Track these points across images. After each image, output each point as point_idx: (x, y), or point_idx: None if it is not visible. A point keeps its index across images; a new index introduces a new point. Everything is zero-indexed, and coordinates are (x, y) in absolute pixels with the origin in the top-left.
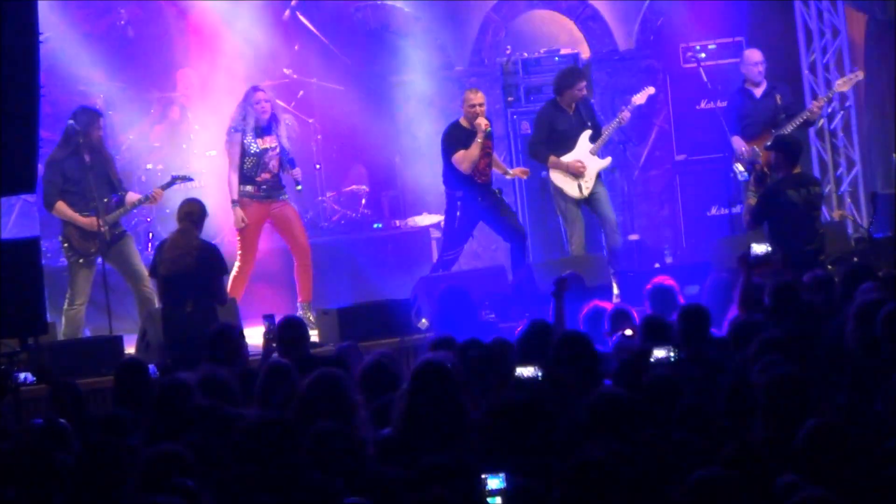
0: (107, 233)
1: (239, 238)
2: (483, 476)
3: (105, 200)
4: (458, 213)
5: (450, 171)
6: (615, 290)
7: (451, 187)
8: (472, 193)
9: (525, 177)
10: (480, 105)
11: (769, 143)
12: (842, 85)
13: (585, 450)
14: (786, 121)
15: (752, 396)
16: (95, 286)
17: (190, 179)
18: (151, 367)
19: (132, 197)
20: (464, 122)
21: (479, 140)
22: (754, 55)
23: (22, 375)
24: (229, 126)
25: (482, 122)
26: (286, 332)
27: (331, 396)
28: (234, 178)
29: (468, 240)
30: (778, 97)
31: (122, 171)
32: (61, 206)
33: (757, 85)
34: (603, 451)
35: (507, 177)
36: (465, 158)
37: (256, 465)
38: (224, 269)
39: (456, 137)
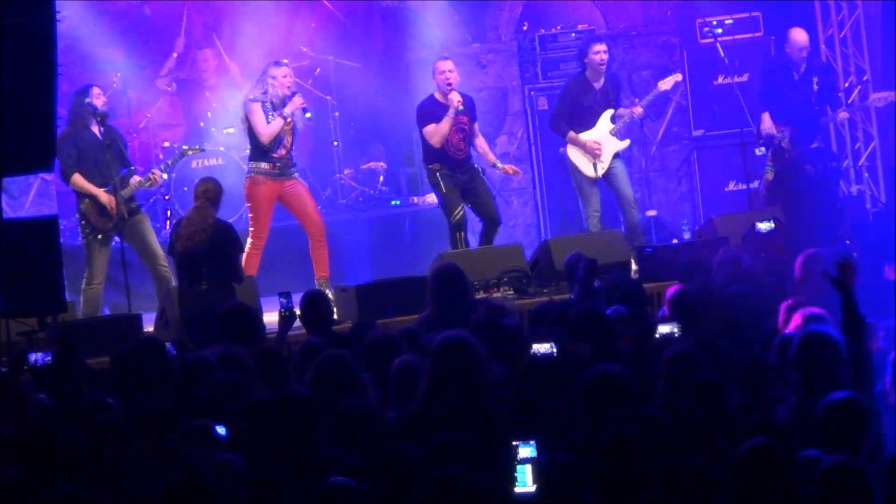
0: (123, 208)
1: (251, 215)
2: (514, 443)
3: (117, 178)
4: (441, 183)
5: (425, 145)
6: (633, 267)
7: (427, 160)
8: (449, 167)
9: (517, 175)
10: (451, 72)
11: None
12: (875, 101)
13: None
14: (816, 110)
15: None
16: (114, 264)
17: (202, 150)
18: (169, 345)
19: (137, 178)
20: (438, 97)
21: (450, 116)
22: (801, 38)
23: (33, 357)
24: (246, 98)
25: (454, 97)
26: (311, 308)
27: (339, 379)
28: (273, 125)
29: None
30: (815, 81)
31: (140, 147)
32: (78, 179)
33: (797, 66)
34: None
35: (497, 170)
36: (435, 132)
37: (277, 442)
38: (240, 247)
39: (430, 111)
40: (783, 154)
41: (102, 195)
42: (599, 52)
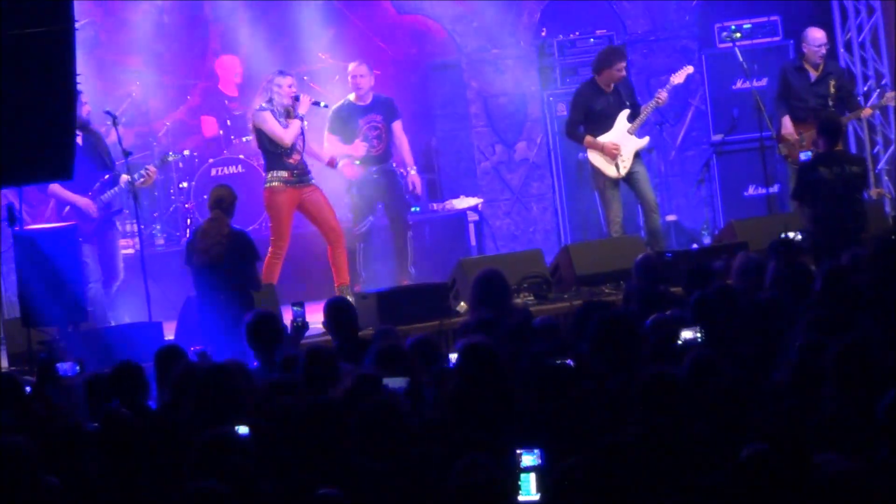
0: (96, 212)
1: (271, 224)
2: (518, 451)
3: (97, 184)
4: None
5: None
6: None
7: None
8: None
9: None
10: (361, 76)
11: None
12: (889, 100)
13: (617, 431)
14: (834, 110)
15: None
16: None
17: (180, 155)
18: (191, 354)
19: (126, 177)
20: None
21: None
22: (817, 36)
23: (64, 367)
24: (254, 109)
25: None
26: (336, 314)
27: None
28: (292, 128)
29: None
30: (832, 84)
31: (160, 156)
32: (56, 188)
33: (815, 67)
34: (634, 432)
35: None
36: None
37: (303, 448)
38: (256, 256)
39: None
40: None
41: (80, 200)
42: (622, 69)
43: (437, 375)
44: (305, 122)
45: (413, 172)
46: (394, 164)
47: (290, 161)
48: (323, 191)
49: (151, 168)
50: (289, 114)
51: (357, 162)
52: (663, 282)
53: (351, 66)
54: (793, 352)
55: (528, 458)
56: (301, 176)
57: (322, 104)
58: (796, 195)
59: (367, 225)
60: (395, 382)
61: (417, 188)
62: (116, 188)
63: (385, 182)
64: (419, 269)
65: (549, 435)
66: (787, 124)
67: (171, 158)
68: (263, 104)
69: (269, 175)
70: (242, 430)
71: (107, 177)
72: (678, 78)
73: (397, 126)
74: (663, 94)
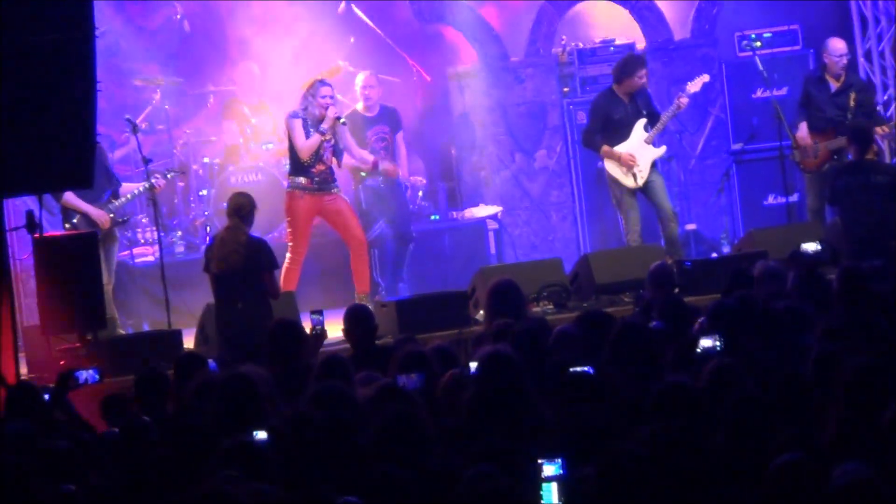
0: (109, 221)
1: (290, 230)
2: (539, 461)
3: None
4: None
5: None
6: None
7: None
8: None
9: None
10: (371, 87)
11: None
12: None
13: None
14: (852, 122)
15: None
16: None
17: (181, 173)
18: (211, 362)
19: (128, 186)
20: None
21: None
22: (838, 47)
23: (84, 375)
24: (287, 114)
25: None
26: (356, 323)
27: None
28: (311, 141)
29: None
30: (852, 97)
31: (178, 164)
32: (70, 196)
33: (836, 78)
34: (652, 442)
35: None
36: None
37: (321, 457)
38: (274, 264)
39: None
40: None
41: (93, 211)
42: (643, 77)
43: (455, 381)
44: (328, 136)
45: (400, 172)
46: (399, 176)
47: (313, 170)
48: (346, 199)
49: (160, 179)
50: (319, 122)
51: (363, 174)
52: (677, 290)
53: (360, 78)
54: (809, 361)
55: (550, 468)
56: (322, 184)
57: (341, 120)
58: (829, 201)
59: (378, 231)
60: (409, 380)
61: (391, 173)
62: (123, 199)
63: (390, 192)
64: (438, 278)
65: (569, 444)
66: (803, 130)
67: (170, 175)
68: (298, 111)
69: (291, 180)
70: (261, 435)
71: (108, 195)
72: (694, 86)
73: (399, 137)
74: (684, 99)
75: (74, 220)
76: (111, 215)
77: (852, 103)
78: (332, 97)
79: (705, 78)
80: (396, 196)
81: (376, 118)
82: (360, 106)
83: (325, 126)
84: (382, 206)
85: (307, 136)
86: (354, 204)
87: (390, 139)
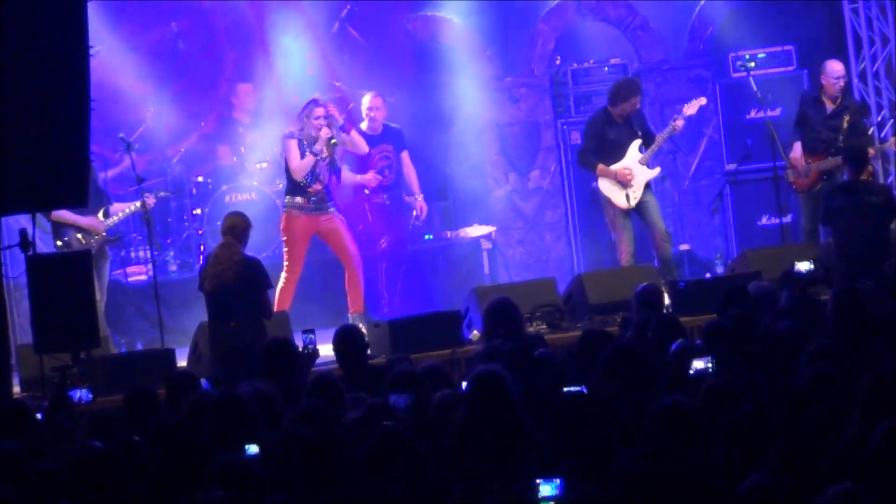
0: (98, 239)
1: (285, 249)
2: (536, 481)
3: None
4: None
5: None
6: (666, 301)
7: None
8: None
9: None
10: (377, 108)
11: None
12: (892, 145)
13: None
14: (846, 142)
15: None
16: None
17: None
18: (203, 381)
19: (119, 206)
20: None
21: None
22: (836, 68)
23: (77, 394)
24: (283, 134)
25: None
26: (346, 342)
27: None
28: (305, 162)
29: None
30: (846, 119)
31: (172, 183)
32: (59, 211)
33: (832, 100)
34: (649, 462)
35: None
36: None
37: (311, 474)
38: (267, 284)
39: None
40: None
41: (83, 220)
42: (637, 103)
43: (446, 401)
44: (324, 156)
45: (420, 199)
46: (403, 195)
47: (309, 190)
48: (342, 218)
49: (150, 197)
50: (313, 142)
51: (366, 192)
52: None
53: (366, 98)
54: (800, 381)
55: (547, 489)
56: (319, 204)
57: (333, 141)
58: (822, 221)
59: (385, 243)
60: (400, 399)
61: (423, 214)
62: (115, 218)
63: (393, 210)
64: (432, 297)
65: (565, 464)
66: (797, 150)
67: (162, 194)
68: (294, 131)
69: (287, 200)
70: (253, 449)
71: (104, 208)
72: (691, 109)
73: (405, 156)
74: (679, 122)
75: (66, 238)
76: (103, 234)
77: (845, 125)
78: (325, 117)
79: (702, 101)
80: (398, 214)
81: (380, 137)
82: (364, 125)
83: (318, 147)
84: (386, 222)
85: (302, 156)
86: (362, 218)
87: (394, 158)
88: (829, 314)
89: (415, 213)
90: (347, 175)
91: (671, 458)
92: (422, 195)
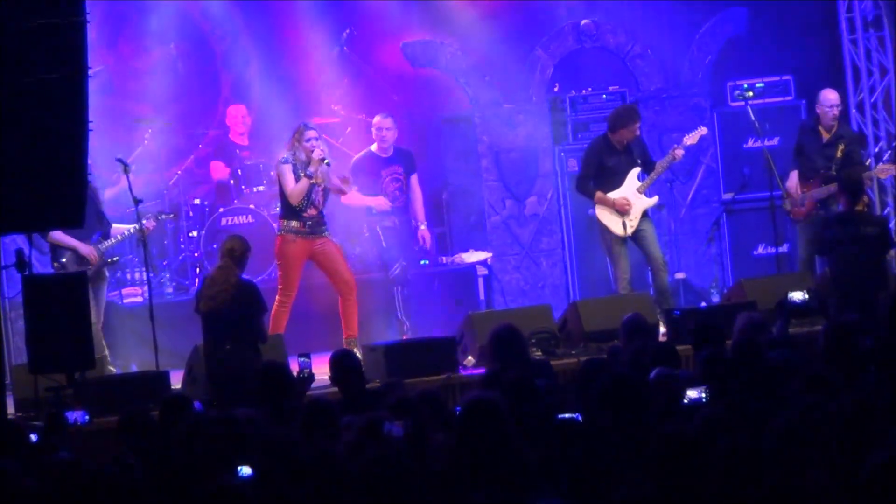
0: (98, 258)
1: (280, 273)
2: None
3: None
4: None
5: None
6: (662, 329)
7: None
8: None
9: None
10: (388, 129)
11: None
12: (880, 172)
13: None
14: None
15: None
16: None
17: (172, 215)
18: (197, 403)
19: (118, 228)
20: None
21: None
22: (830, 97)
23: (74, 415)
24: (278, 159)
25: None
26: (342, 367)
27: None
28: (299, 186)
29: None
30: (840, 148)
31: (170, 204)
32: (57, 234)
33: (828, 129)
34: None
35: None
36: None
37: (305, 497)
38: (263, 307)
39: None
40: None
41: (82, 247)
42: (636, 130)
43: (441, 426)
44: (317, 179)
45: (423, 227)
46: (412, 220)
47: (305, 214)
48: (337, 242)
49: (151, 223)
50: (306, 166)
51: (374, 212)
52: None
53: (377, 119)
54: (790, 412)
55: None
56: (314, 227)
57: (325, 161)
58: (817, 251)
59: (399, 269)
60: (394, 426)
61: (427, 243)
62: (113, 240)
63: (405, 234)
64: (427, 323)
65: (560, 491)
66: (793, 178)
67: (161, 217)
68: (287, 156)
69: (283, 223)
70: (245, 470)
71: (98, 236)
72: (692, 139)
73: (414, 179)
74: (679, 151)
75: (63, 260)
76: (101, 255)
77: (839, 154)
78: (316, 139)
79: (703, 131)
80: (411, 238)
81: (390, 159)
82: (374, 147)
83: (311, 169)
84: (402, 247)
85: (296, 180)
86: (376, 243)
87: (404, 180)
88: (820, 346)
89: (420, 240)
90: (356, 196)
91: (674, 487)
92: (425, 223)
